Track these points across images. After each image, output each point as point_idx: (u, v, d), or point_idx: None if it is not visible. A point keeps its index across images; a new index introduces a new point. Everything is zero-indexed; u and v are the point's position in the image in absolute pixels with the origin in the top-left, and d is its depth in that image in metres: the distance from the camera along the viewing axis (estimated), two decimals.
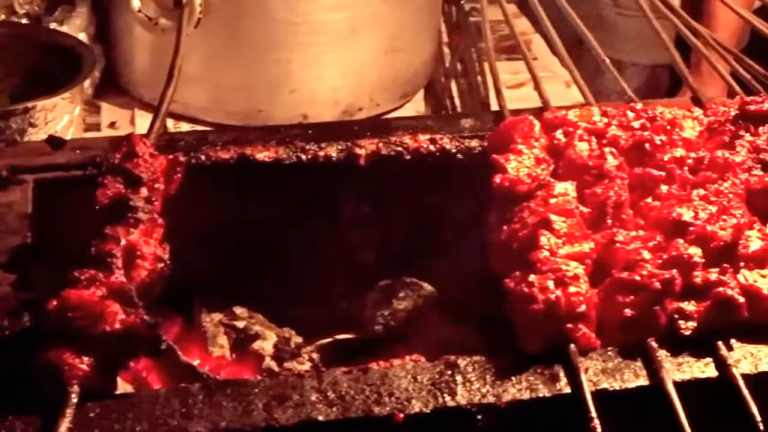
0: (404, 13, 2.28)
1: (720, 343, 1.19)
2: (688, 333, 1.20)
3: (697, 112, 1.55)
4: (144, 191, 1.30)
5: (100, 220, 1.23)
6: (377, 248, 1.60)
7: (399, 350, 1.51)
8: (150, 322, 1.11)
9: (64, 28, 2.19)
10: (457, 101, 2.43)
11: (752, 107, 1.49)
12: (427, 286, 1.58)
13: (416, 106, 2.39)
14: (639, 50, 3.32)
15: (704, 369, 1.17)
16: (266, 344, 1.51)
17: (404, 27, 2.29)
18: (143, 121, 2.08)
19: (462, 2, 2.65)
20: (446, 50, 2.59)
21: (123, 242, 1.20)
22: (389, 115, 2.29)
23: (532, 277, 1.21)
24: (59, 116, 1.87)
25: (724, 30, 2.98)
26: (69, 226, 1.34)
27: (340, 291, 1.59)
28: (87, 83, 2.13)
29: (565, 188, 1.35)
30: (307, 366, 1.49)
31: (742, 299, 1.21)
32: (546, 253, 1.24)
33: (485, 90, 2.36)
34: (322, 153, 1.52)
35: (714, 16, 3.05)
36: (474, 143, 1.56)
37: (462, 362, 1.16)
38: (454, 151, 1.56)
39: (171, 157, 1.38)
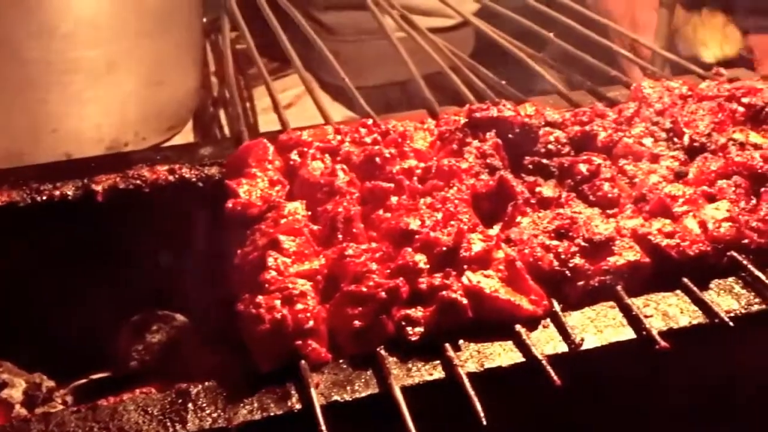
0: (162, 45, 2.26)
1: (447, 345, 1.23)
2: (415, 338, 1.23)
3: (430, 123, 1.60)
4: None
5: None
6: (128, 283, 1.59)
7: (156, 384, 1.49)
8: None
9: None
10: (226, 129, 2.43)
11: (478, 114, 1.54)
12: (180, 317, 1.57)
13: (186, 137, 2.36)
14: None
15: (432, 371, 1.20)
16: (15, 391, 1.47)
17: (164, 59, 2.27)
18: None
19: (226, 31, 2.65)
20: (214, 79, 2.59)
21: None
22: None
23: (259, 298, 1.22)
24: None
25: None
26: None
27: (94, 331, 1.56)
28: None
29: (295, 207, 1.37)
30: (60, 409, 1.46)
31: (465, 300, 1.25)
32: (274, 273, 1.25)
33: (254, 116, 2.38)
34: (57, 192, 1.50)
35: None
36: (213, 170, 1.57)
37: (194, 389, 1.17)
38: (194, 179, 1.56)
39: None
